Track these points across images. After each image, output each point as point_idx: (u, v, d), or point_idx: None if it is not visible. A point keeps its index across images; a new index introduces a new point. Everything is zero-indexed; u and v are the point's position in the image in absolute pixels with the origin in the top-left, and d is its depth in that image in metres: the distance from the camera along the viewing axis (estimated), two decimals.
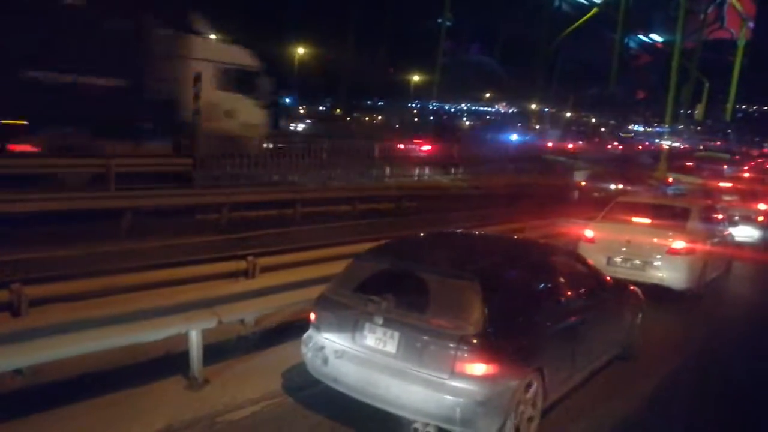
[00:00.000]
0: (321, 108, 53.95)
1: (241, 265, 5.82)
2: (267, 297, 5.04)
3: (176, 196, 11.42)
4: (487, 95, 59.37)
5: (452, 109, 59.84)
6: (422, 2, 49.66)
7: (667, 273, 7.94)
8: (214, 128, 14.88)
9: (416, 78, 54.12)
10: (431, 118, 51.91)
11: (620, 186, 18.63)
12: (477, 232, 7.48)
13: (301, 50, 46.03)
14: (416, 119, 52.27)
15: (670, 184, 20.69)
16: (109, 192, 10.86)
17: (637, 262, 8.04)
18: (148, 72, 14.48)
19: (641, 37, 59.99)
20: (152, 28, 14.79)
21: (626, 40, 54.57)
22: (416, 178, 18.32)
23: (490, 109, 60.40)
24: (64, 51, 12.77)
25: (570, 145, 37.50)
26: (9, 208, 8.76)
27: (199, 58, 15.26)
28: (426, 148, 24.70)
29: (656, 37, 59.89)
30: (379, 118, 53.29)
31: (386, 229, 11.47)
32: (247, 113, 16.53)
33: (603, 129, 51.95)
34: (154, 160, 14.04)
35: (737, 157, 38.93)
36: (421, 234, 5.95)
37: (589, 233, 8.67)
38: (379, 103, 56.41)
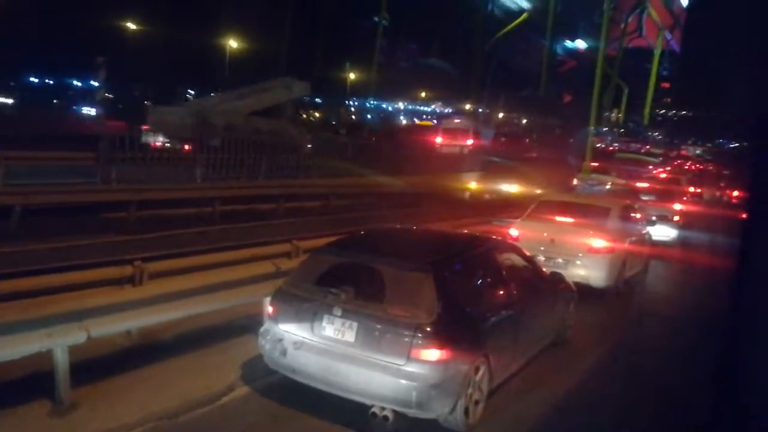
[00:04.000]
0: None
1: (127, 270, 5.14)
2: (150, 307, 4.42)
3: (77, 192, 10.38)
4: (423, 94, 59.76)
5: (389, 108, 59.77)
6: (359, 1, 49.56)
7: (587, 271, 7.98)
8: None
9: (352, 76, 53.72)
10: (368, 116, 51.73)
11: (514, 188, 17.72)
12: (427, 228, 7.73)
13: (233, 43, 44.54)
14: (353, 117, 51.79)
15: (574, 187, 19.61)
16: None
17: (560, 260, 8.01)
18: None
19: (567, 43, 62.35)
20: None
21: (553, 46, 56.69)
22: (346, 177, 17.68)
23: (426, 108, 60.76)
24: None
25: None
26: None
27: None
28: None
29: (581, 44, 62.40)
30: (317, 115, 52.42)
31: (313, 228, 10.97)
32: None
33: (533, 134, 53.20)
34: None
35: (660, 158, 40.78)
36: (377, 229, 6.23)
37: (513, 232, 8.58)
38: (316, 100, 55.30)
